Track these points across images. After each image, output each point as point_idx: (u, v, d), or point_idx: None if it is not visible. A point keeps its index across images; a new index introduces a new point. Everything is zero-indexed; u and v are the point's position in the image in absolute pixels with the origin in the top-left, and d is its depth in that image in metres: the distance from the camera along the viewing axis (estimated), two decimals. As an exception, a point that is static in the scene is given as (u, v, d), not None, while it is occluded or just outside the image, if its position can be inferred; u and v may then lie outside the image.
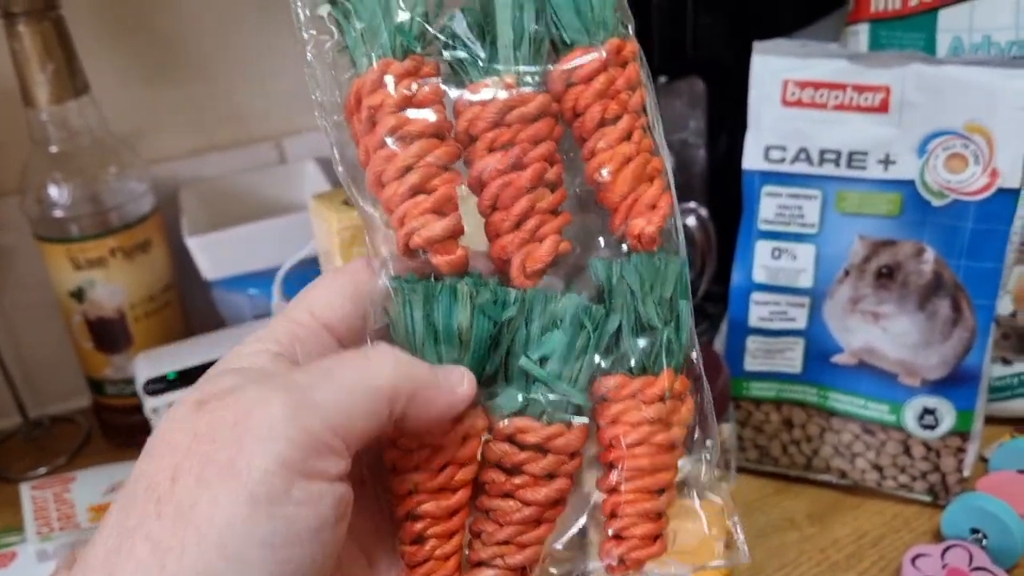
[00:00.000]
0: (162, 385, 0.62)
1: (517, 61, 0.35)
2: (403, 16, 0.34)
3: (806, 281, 0.56)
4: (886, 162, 0.53)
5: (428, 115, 0.34)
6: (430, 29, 0.35)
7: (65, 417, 0.72)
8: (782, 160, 0.55)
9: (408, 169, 0.33)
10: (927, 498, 0.56)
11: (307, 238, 0.62)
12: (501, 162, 0.34)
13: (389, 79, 0.33)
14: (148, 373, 0.62)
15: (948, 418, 0.55)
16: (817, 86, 0.54)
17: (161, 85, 0.71)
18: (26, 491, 0.61)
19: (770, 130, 0.55)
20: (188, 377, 0.63)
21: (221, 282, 0.66)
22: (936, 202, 0.53)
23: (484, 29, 0.35)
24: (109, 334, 0.65)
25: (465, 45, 0.35)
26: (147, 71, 0.70)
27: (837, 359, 0.57)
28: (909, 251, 0.54)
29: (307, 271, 0.64)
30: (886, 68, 0.53)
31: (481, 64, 0.35)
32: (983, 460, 0.58)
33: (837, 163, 0.54)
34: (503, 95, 0.34)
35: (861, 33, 0.60)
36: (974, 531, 0.52)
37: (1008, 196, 0.51)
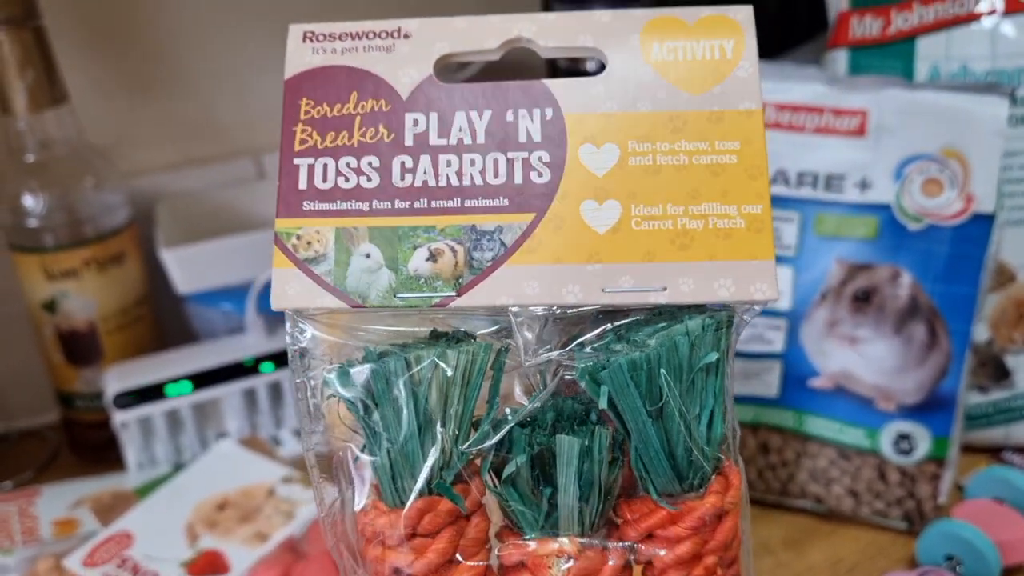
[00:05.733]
0: (131, 399, 0.61)
1: (583, 525, 0.31)
2: (444, 444, 0.31)
3: (783, 303, 0.56)
4: (862, 186, 0.53)
5: None
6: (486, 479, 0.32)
7: (33, 431, 0.71)
8: (760, 182, 0.55)
9: None
10: (903, 525, 0.56)
11: (283, 253, 0.62)
12: None
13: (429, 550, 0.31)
14: (118, 386, 0.61)
15: (924, 444, 0.54)
16: (795, 109, 0.54)
17: (140, 97, 0.71)
18: (-11, 505, 0.60)
19: (748, 152, 0.55)
20: (158, 391, 0.62)
21: (195, 296, 0.66)
22: (912, 226, 0.53)
23: (542, 474, 0.32)
24: (80, 347, 0.64)
25: (520, 499, 0.31)
26: (127, 83, 0.70)
27: (814, 383, 0.56)
28: (885, 275, 0.54)
29: (283, 286, 0.63)
30: (863, 92, 0.53)
31: (539, 522, 0.32)
32: (959, 488, 0.58)
33: (814, 186, 0.54)
34: (563, 570, 0.31)
35: (840, 60, 0.61)
36: (949, 558, 0.51)
37: (983, 221, 0.51)
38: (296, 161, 0.33)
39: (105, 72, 0.69)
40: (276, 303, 0.32)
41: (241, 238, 0.64)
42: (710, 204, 0.32)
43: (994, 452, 0.61)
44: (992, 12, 0.56)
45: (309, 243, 0.32)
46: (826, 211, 0.54)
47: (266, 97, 0.73)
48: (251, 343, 0.65)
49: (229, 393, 0.64)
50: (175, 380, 0.62)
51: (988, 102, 0.51)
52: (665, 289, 0.31)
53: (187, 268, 0.64)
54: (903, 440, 0.55)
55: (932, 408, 0.54)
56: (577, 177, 0.32)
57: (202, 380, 0.63)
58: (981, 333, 0.59)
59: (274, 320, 0.65)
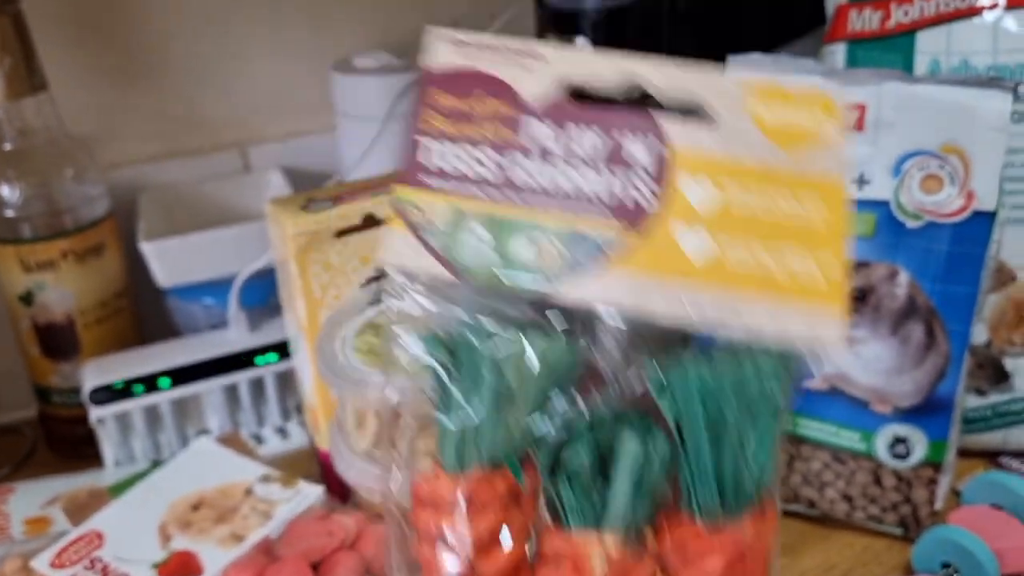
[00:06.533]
0: (108, 394, 0.60)
1: (628, 522, 0.33)
2: (519, 416, 0.33)
3: (777, 303, 0.55)
4: (860, 181, 0.52)
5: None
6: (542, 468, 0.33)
7: (9, 427, 0.69)
8: (755, 178, 0.54)
9: None
10: (898, 531, 0.54)
11: (267, 247, 0.61)
12: None
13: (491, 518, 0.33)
14: (95, 381, 0.60)
15: (920, 447, 0.53)
16: (791, 102, 0.53)
17: (123, 87, 0.69)
18: (-40, 502, 0.58)
19: (743, 147, 0.54)
20: (136, 387, 0.61)
21: (176, 290, 0.64)
22: (911, 224, 0.51)
23: (597, 465, 0.33)
24: (57, 340, 0.63)
25: (573, 490, 0.33)
26: (109, 72, 0.69)
27: (808, 384, 0.55)
28: (883, 274, 0.52)
29: (265, 281, 0.62)
30: (862, 86, 0.52)
31: (586, 518, 0.33)
32: (956, 494, 0.56)
33: (810, 181, 0.53)
34: (600, 567, 0.32)
35: (838, 53, 0.59)
36: (945, 565, 0.50)
37: (984, 219, 0.50)
38: (418, 138, 0.36)
39: (87, 61, 0.68)
40: (384, 258, 0.34)
41: (224, 231, 0.62)
42: (791, 253, 0.34)
43: (992, 457, 0.60)
44: (994, 6, 0.55)
45: (423, 212, 0.35)
46: (822, 208, 0.53)
47: (253, 89, 0.72)
48: (233, 338, 0.63)
49: (210, 389, 0.63)
50: (154, 375, 0.61)
51: (990, 97, 0.49)
52: (743, 318, 0.33)
53: (168, 261, 0.62)
54: (899, 444, 0.53)
55: (929, 411, 0.52)
56: (674, 203, 0.35)
57: (182, 376, 0.62)
58: (980, 334, 0.58)
59: (257, 315, 0.64)
